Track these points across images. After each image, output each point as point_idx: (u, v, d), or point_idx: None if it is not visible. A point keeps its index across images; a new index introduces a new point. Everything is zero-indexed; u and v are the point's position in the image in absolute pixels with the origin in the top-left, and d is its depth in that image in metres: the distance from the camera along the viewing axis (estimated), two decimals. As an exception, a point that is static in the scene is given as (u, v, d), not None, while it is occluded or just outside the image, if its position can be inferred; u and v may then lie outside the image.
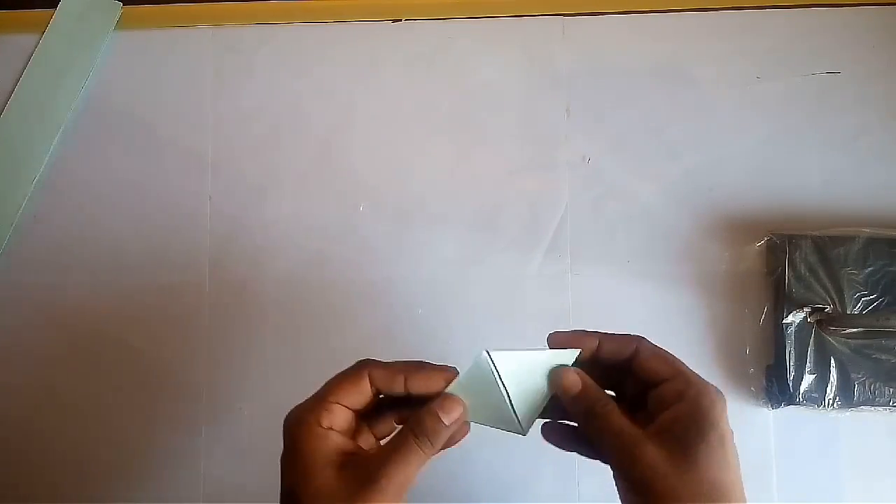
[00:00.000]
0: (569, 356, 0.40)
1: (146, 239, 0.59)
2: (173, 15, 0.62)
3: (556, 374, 0.39)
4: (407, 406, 0.40)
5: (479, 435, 0.56)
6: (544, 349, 0.41)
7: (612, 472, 0.37)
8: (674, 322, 0.57)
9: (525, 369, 0.40)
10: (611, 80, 0.59)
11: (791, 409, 0.54)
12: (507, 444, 0.56)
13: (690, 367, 0.39)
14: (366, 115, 0.60)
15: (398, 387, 0.39)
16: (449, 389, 0.39)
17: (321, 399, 0.38)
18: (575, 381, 0.39)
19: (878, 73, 0.58)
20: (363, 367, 0.39)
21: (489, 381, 0.39)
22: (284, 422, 0.39)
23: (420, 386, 0.39)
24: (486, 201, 0.59)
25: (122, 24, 0.62)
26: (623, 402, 0.39)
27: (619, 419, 0.37)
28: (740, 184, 0.58)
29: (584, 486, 0.55)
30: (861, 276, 0.53)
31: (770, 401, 0.54)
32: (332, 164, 0.59)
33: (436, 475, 0.56)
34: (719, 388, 0.56)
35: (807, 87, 0.59)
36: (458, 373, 0.40)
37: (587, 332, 0.40)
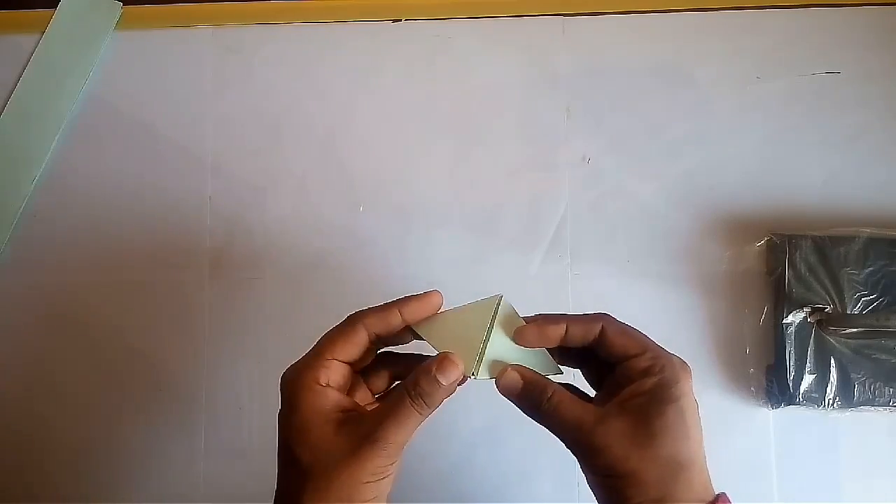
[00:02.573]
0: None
1: (146, 239, 0.59)
2: (173, 15, 0.62)
3: (501, 375, 0.39)
4: (403, 361, 0.41)
5: (480, 435, 0.56)
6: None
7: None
8: (674, 322, 0.57)
9: (513, 332, 0.40)
10: (611, 80, 0.59)
11: (791, 409, 0.54)
12: (507, 443, 0.56)
13: (663, 347, 0.39)
14: (366, 115, 0.60)
15: (395, 321, 0.39)
16: (443, 312, 0.40)
17: (318, 356, 0.38)
18: (515, 379, 0.39)
19: (878, 73, 0.58)
20: (356, 318, 0.39)
21: (484, 317, 0.40)
22: (281, 379, 0.39)
23: (415, 312, 0.40)
24: (486, 201, 0.59)
25: (122, 24, 0.62)
26: (593, 377, 0.40)
27: (569, 409, 0.37)
28: (740, 184, 0.58)
29: (583, 485, 0.55)
30: (861, 276, 0.53)
31: (770, 401, 0.54)
32: (332, 164, 0.59)
33: (436, 475, 0.56)
34: (719, 387, 0.56)
35: (807, 87, 0.59)
36: (442, 295, 0.40)
37: (553, 319, 0.40)
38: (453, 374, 0.38)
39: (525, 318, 0.40)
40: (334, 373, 0.38)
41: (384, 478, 0.37)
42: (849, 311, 0.53)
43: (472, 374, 0.39)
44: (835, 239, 0.54)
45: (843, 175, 0.58)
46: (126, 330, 0.58)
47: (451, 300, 0.57)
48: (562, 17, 0.61)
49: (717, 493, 0.37)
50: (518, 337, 0.40)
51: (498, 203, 0.59)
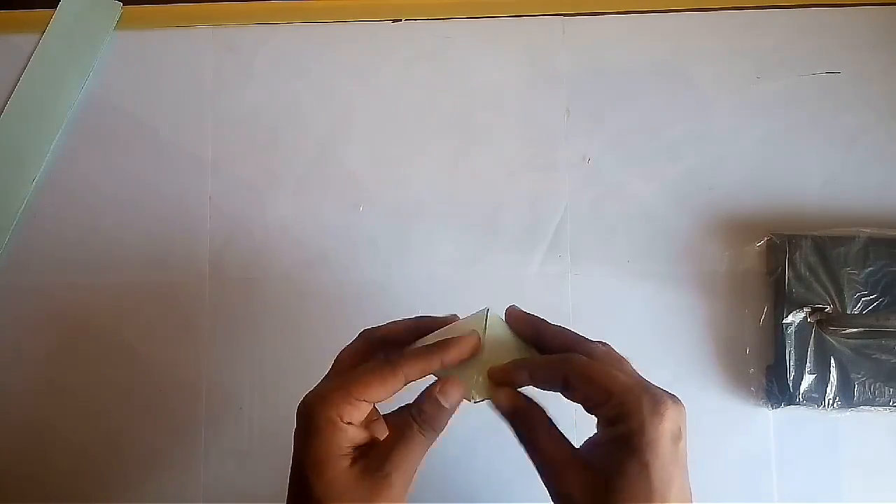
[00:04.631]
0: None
1: (146, 239, 0.59)
2: (173, 15, 0.62)
3: (487, 391, 0.39)
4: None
5: (480, 435, 0.56)
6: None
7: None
8: (674, 322, 0.57)
9: (506, 347, 0.41)
10: (611, 80, 0.59)
11: (791, 409, 0.54)
12: (507, 443, 0.56)
13: (633, 378, 0.36)
14: (366, 115, 0.60)
15: (434, 367, 0.39)
16: (435, 334, 0.40)
17: (347, 393, 0.37)
18: (506, 396, 0.39)
19: (878, 73, 0.58)
20: (398, 365, 0.38)
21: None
22: (303, 404, 0.38)
23: (455, 359, 0.39)
24: (486, 201, 0.59)
25: (122, 24, 0.62)
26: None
27: (546, 442, 0.37)
28: (740, 184, 0.58)
29: (584, 486, 0.55)
30: (861, 276, 0.53)
31: (770, 401, 0.54)
32: (332, 164, 0.59)
33: (436, 475, 0.56)
34: (719, 387, 0.56)
35: (807, 87, 0.59)
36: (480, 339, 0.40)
37: (517, 366, 0.39)
38: (456, 396, 0.38)
39: (493, 366, 0.40)
40: (359, 412, 0.37)
41: None
42: (849, 311, 0.53)
43: (472, 398, 0.39)
44: (835, 239, 0.54)
45: (843, 175, 0.58)
46: (126, 330, 0.58)
47: (451, 300, 0.58)
48: (562, 17, 0.61)
49: None
50: (490, 376, 0.39)
51: (498, 203, 0.59)
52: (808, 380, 0.53)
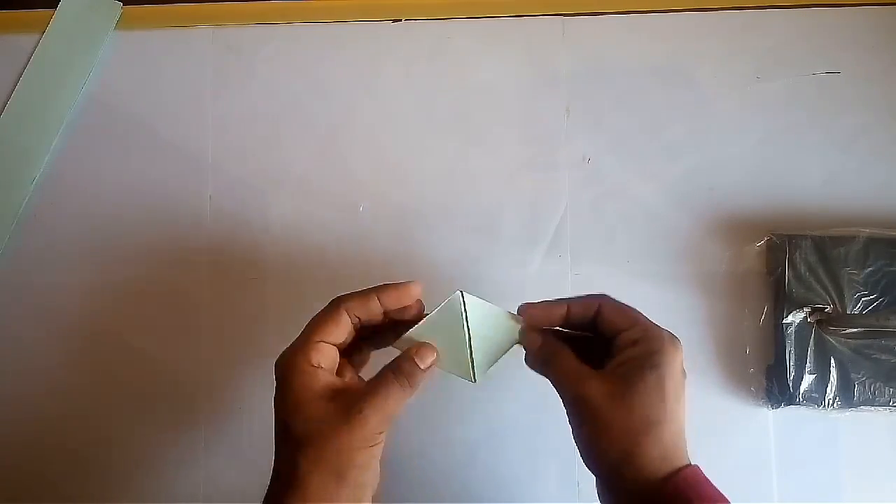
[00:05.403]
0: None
1: (146, 238, 0.59)
2: (173, 15, 0.62)
3: (522, 335, 0.44)
4: (381, 338, 0.45)
5: (479, 435, 0.56)
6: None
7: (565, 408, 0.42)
8: (674, 322, 0.56)
9: (490, 322, 0.45)
10: (611, 80, 0.59)
11: (791, 409, 0.54)
12: (507, 443, 0.56)
13: (657, 325, 0.43)
14: (366, 115, 0.60)
15: (375, 308, 0.43)
16: (417, 327, 0.43)
17: (307, 339, 0.42)
18: (535, 338, 0.44)
19: (878, 73, 0.58)
20: (338, 303, 0.43)
21: (456, 321, 0.44)
22: (276, 364, 0.42)
23: (393, 301, 0.43)
24: (486, 201, 0.59)
25: (122, 24, 0.62)
26: (590, 353, 0.43)
27: (568, 362, 0.42)
28: (740, 184, 0.58)
29: (584, 486, 0.55)
30: (861, 276, 0.53)
31: (770, 401, 0.54)
32: (332, 164, 0.59)
33: (436, 475, 0.56)
34: (719, 387, 0.56)
35: (807, 87, 0.59)
36: (422, 285, 0.44)
37: (555, 301, 0.45)
38: (429, 359, 0.43)
39: (529, 303, 0.45)
40: (324, 355, 0.42)
41: (374, 445, 0.40)
42: (849, 311, 0.53)
43: (472, 379, 0.44)
44: (835, 239, 0.54)
45: (843, 175, 0.58)
46: (126, 330, 0.58)
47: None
48: (562, 17, 0.61)
49: (692, 462, 0.40)
50: (527, 317, 0.44)
51: (498, 203, 0.59)
52: (808, 380, 0.53)
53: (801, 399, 0.52)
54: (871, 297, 0.53)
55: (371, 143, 0.60)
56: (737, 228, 0.57)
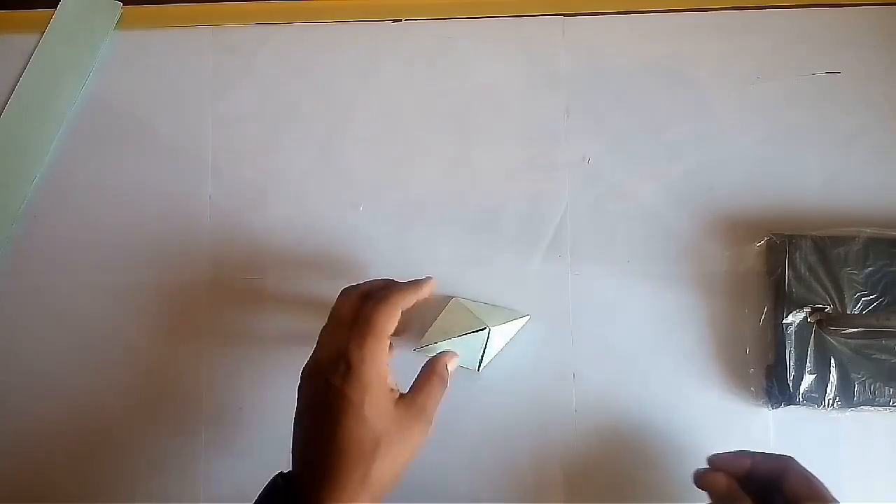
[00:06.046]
0: (521, 320, 0.55)
1: (146, 239, 0.59)
2: (173, 15, 0.62)
3: (705, 474, 0.47)
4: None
5: (479, 435, 0.56)
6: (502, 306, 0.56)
7: None
8: (674, 322, 0.57)
9: (499, 321, 0.54)
10: (611, 80, 0.59)
11: (791, 409, 0.54)
12: (507, 443, 0.56)
13: (830, 492, 0.45)
14: (366, 115, 0.60)
15: (411, 303, 0.47)
16: (444, 343, 0.52)
17: (379, 334, 0.44)
18: (721, 482, 0.46)
19: (878, 73, 0.58)
20: (392, 299, 0.45)
21: (478, 343, 0.53)
22: (349, 349, 0.43)
23: (423, 295, 0.49)
24: (486, 201, 0.59)
25: (122, 24, 0.62)
26: None
27: None
28: (740, 184, 0.58)
29: (584, 486, 0.55)
30: (861, 276, 0.53)
31: (770, 401, 0.54)
32: (332, 164, 0.59)
33: (436, 475, 0.56)
34: (719, 387, 0.56)
35: (807, 87, 0.59)
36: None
37: (744, 453, 0.47)
38: (455, 363, 0.50)
39: (719, 453, 0.49)
40: (387, 352, 0.45)
41: None
42: (849, 311, 0.53)
43: (477, 369, 0.54)
44: (835, 239, 0.54)
45: (843, 175, 0.58)
46: (126, 330, 0.58)
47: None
48: (562, 17, 0.61)
49: None
50: (711, 461, 0.47)
51: (498, 203, 0.59)
52: (808, 380, 0.53)
53: (801, 399, 0.52)
54: (871, 297, 0.53)
55: (371, 143, 0.60)
56: (737, 228, 0.57)
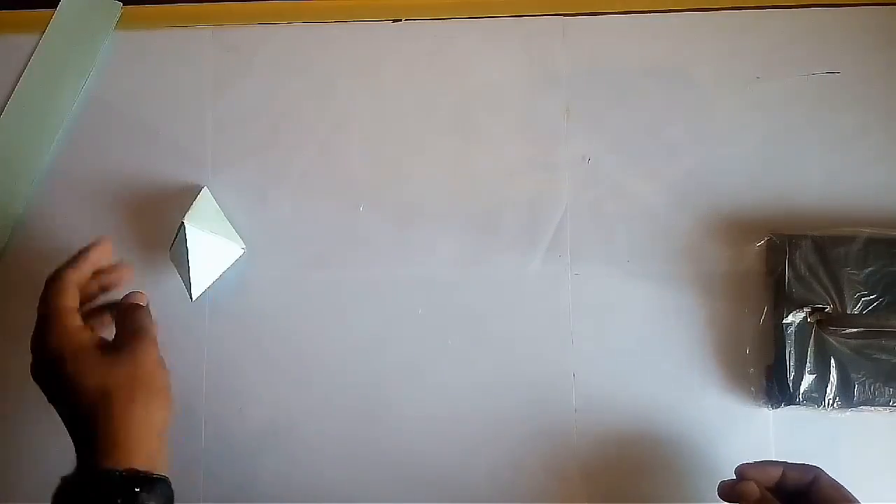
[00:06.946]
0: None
1: (146, 239, 0.59)
2: (173, 15, 0.62)
3: (738, 485, 0.47)
4: None
5: (479, 435, 0.56)
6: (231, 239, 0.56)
7: None
8: (674, 322, 0.57)
9: (209, 249, 0.55)
10: (611, 80, 0.59)
11: (791, 409, 0.54)
12: (507, 443, 0.56)
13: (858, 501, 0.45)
14: (366, 115, 0.60)
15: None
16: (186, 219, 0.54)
17: (57, 313, 0.46)
18: (754, 490, 0.46)
19: (878, 73, 0.58)
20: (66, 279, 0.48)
21: (183, 245, 0.54)
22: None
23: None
24: (486, 201, 0.59)
25: (122, 24, 0.62)
26: None
27: None
28: (740, 184, 0.58)
29: (584, 486, 0.55)
30: (861, 276, 0.53)
31: (770, 401, 0.54)
32: (332, 164, 0.59)
33: (436, 475, 0.56)
34: (719, 387, 0.56)
35: (807, 87, 0.59)
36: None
37: (773, 462, 0.48)
38: (143, 299, 0.52)
39: (745, 463, 0.49)
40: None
41: None
42: (849, 311, 0.53)
43: (190, 296, 0.55)
44: (835, 239, 0.54)
45: (843, 175, 0.58)
46: (126, 330, 0.58)
47: (451, 300, 0.58)
48: (562, 17, 0.61)
49: None
50: (738, 471, 0.48)
51: (498, 203, 0.58)
52: (808, 380, 0.53)
53: (801, 399, 0.52)
54: (871, 297, 0.53)
55: (371, 143, 0.60)
56: (737, 228, 0.57)
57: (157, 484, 0.42)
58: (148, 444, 0.43)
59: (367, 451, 0.56)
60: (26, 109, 0.60)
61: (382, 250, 0.58)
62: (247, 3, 0.62)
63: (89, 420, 0.43)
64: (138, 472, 0.42)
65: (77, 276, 0.48)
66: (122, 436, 0.43)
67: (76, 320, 0.47)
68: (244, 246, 0.57)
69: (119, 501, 0.40)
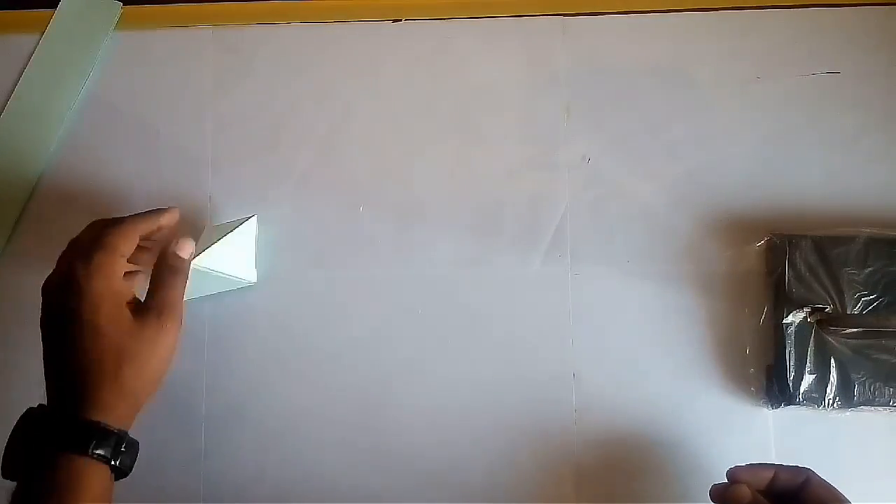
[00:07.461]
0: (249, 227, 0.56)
1: (146, 239, 0.59)
2: (173, 15, 0.62)
3: (729, 487, 0.47)
4: None
5: (479, 435, 0.56)
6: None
7: None
8: (674, 322, 0.57)
9: (212, 283, 0.55)
10: (611, 80, 0.59)
11: (791, 409, 0.54)
12: (507, 444, 0.56)
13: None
14: (366, 116, 0.60)
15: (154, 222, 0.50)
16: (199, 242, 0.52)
17: (109, 253, 0.45)
18: (745, 493, 0.45)
19: (878, 73, 0.59)
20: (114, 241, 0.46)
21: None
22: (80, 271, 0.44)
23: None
24: (486, 201, 0.59)
25: (122, 24, 0.62)
26: None
27: None
28: (740, 184, 0.58)
29: (584, 486, 0.55)
30: (861, 276, 0.53)
31: (770, 401, 0.54)
32: (332, 164, 0.59)
33: (437, 474, 0.56)
34: (719, 387, 0.56)
35: (807, 87, 0.59)
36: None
37: (764, 464, 0.48)
38: (186, 246, 0.49)
39: (737, 465, 0.48)
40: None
41: None
42: (849, 311, 0.53)
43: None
44: (835, 239, 0.54)
45: (843, 175, 0.58)
46: (126, 330, 0.58)
47: (451, 300, 0.58)
48: (562, 17, 0.61)
49: None
50: (730, 474, 0.47)
51: (498, 203, 0.59)
52: (808, 380, 0.53)
53: (801, 399, 0.52)
54: (871, 297, 0.53)
55: (371, 144, 0.60)
56: (737, 228, 0.57)
57: (134, 446, 0.44)
58: (127, 419, 0.44)
59: (367, 450, 0.56)
60: (26, 109, 0.60)
61: (382, 250, 0.58)
62: (247, 3, 0.62)
63: (86, 374, 0.42)
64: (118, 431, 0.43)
65: (143, 228, 0.47)
66: (111, 402, 0.42)
67: (123, 269, 0.45)
68: (254, 280, 0.57)
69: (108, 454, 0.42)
